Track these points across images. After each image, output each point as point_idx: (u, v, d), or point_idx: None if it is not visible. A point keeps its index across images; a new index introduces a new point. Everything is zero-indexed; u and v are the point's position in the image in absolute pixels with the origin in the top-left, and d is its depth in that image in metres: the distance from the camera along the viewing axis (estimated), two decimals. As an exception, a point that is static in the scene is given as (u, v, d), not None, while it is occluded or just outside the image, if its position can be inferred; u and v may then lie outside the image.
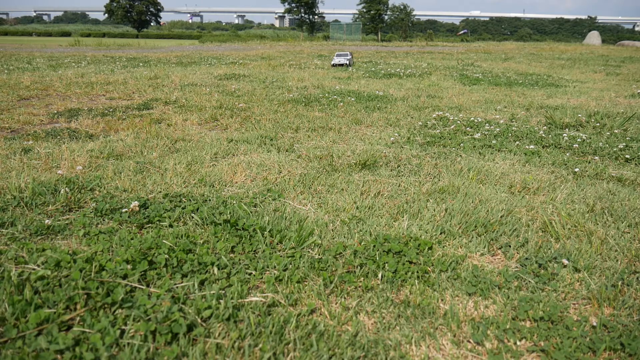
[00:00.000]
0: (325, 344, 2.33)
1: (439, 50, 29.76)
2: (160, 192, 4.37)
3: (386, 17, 64.03)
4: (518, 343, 2.42)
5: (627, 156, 5.81)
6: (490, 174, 5.03)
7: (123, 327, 2.37)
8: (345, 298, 2.77)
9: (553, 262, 3.19)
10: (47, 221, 3.62)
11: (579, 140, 6.51)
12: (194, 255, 3.10)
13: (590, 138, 6.71)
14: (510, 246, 3.43)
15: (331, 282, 2.88)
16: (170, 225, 3.65)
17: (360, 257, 3.17)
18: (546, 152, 6.07)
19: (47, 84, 11.83)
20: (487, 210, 3.99)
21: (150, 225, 3.68)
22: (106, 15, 74.21)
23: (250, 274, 2.96)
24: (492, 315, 2.64)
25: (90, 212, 3.86)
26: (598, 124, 7.65)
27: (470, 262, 3.20)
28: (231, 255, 3.20)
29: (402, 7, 65.68)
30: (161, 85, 11.97)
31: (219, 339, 2.34)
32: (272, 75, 14.44)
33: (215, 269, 2.95)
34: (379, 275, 2.96)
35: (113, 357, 2.20)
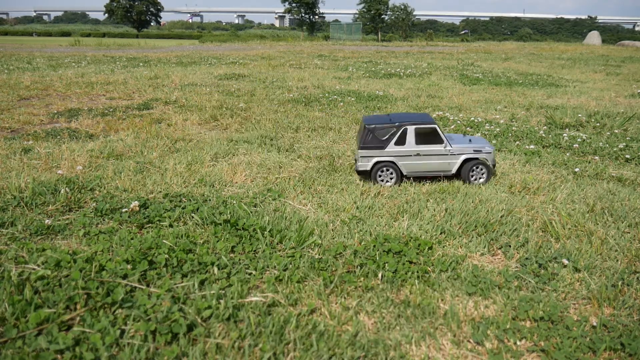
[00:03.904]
0: (326, 344, 2.33)
1: (439, 50, 29.76)
2: (160, 192, 4.37)
3: (386, 17, 64.05)
4: (518, 343, 2.42)
5: (627, 156, 5.81)
6: (490, 174, 5.03)
7: (123, 327, 2.37)
8: (345, 298, 2.77)
9: (553, 262, 3.19)
10: (47, 221, 3.62)
11: (579, 140, 6.51)
12: (194, 255, 3.10)
13: (590, 138, 6.71)
14: (510, 246, 3.43)
15: (331, 282, 2.88)
16: (170, 225, 3.65)
17: (360, 257, 3.17)
18: (546, 152, 6.07)
19: (47, 84, 11.84)
20: (487, 210, 3.99)
21: (150, 225, 3.68)
22: (106, 15, 74.27)
23: (250, 273, 2.96)
24: (492, 315, 2.64)
25: (90, 212, 3.86)
26: (598, 124, 7.65)
27: (470, 262, 3.21)
28: (231, 255, 3.20)
29: (402, 7, 65.68)
30: (161, 85, 11.98)
31: (219, 338, 2.34)
32: (272, 75, 14.44)
33: (215, 269, 2.95)
34: (379, 275, 2.96)
35: (113, 357, 2.20)
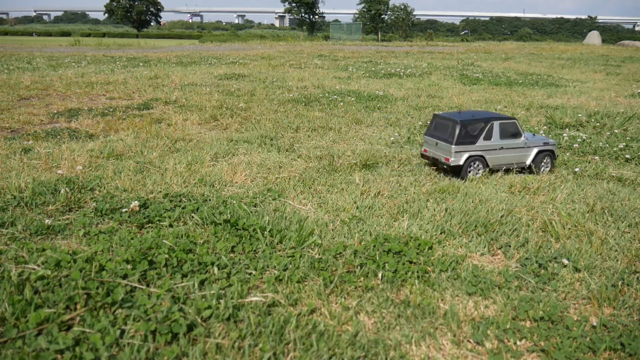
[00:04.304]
0: (326, 344, 2.33)
1: (439, 50, 29.76)
2: (160, 192, 4.37)
3: (386, 17, 64.03)
4: (518, 343, 2.42)
5: (627, 156, 5.81)
6: (490, 173, 5.03)
7: (123, 327, 2.37)
8: (345, 298, 2.77)
9: (553, 262, 3.19)
10: (47, 221, 3.62)
11: (579, 140, 6.51)
12: (194, 255, 3.10)
13: (590, 138, 6.71)
14: (510, 246, 3.43)
15: (331, 282, 2.88)
16: (170, 225, 3.65)
17: (360, 257, 3.17)
18: (546, 152, 6.07)
19: (47, 83, 11.83)
20: (487, 210, 3.99)
21: (150, 225, 3.68)
22: (106, 15, 74.21)
23: (250, 273, 2.96)
24: (492, 315, 2.64)
25: (90, 212, 3.86)
26: (598, 124, 7.65)
27: (470, 262, 3.21)
28: (231, 255, 3.20)
29: (402, 6, 65.66)
30: (161, 85, 11.97)
31: (219, 338, 2.34)
32: (272, 75, 14.43)
33: (215, 269, 2.95)
34: (379, 275, 2.96)
35: (113, 357, 2.20)
